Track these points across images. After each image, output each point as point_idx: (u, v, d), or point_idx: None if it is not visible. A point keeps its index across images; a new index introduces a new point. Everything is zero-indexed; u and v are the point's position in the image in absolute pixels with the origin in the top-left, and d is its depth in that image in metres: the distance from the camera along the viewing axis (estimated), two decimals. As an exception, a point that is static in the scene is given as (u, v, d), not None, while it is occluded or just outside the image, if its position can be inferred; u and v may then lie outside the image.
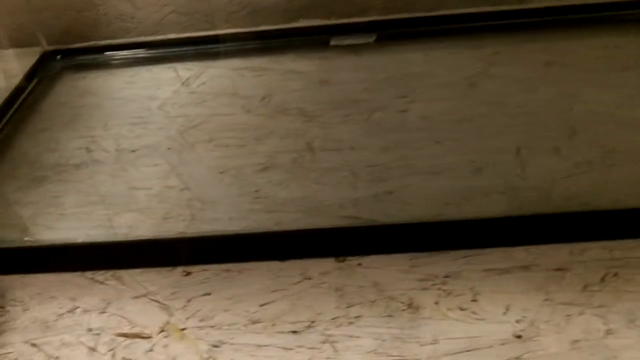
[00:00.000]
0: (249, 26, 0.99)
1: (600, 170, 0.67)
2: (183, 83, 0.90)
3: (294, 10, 0.99)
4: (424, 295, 0.57)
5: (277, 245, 0.64)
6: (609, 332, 0.52)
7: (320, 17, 0.99)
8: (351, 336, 0.55)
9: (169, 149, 0.78)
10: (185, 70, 0.93)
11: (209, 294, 0.61)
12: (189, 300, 0.61)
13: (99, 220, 0.70)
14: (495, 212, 0.63)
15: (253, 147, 0.76)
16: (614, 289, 0.56)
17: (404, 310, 0.56)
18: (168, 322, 0.59)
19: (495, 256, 0.59)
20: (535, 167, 0.68)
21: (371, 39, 0.92)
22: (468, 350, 0.52)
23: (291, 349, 0.55)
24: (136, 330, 0.59)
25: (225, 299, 0.60)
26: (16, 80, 0.91)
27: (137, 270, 0.64)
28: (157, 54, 0.98)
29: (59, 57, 0.98)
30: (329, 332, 0.56)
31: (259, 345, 0.55)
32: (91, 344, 0.58)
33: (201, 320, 0.59)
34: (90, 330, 0.59)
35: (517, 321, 0.54)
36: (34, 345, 0.58)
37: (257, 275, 0.62)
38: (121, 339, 0.58)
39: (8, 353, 0.58)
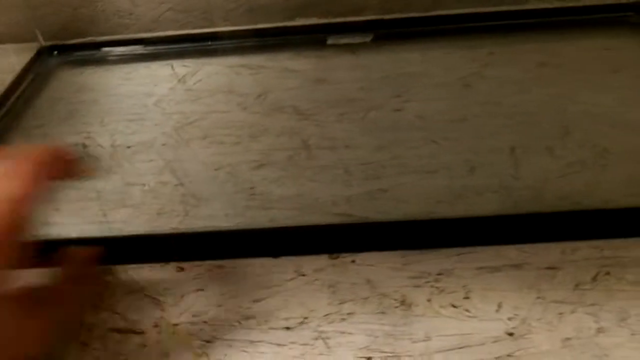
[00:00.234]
0: (247, 24, 0.99)
1: (593, 170, 0.67)
2: (179, 80, 0.90)
3: (291, 9, 0.99)
4: (416, 292, 0.57)
5: (271, 242, 0.64)
6: (600, 331, 0.53)
7: (317, 16, 0.99)
8: (343, 332, 0.55)
9: (164, 145, 0.78)
10: (182, 67, 0.93)
11: (202, 290, 0.61)
12: (182, 296, 0.61)
13: (94, 216, 0.70)
14: (488, 211, 0.63)
15: (248, 144, 0.76)
16: (606, 288, 0.56)
17: (396, 307, 0.56)
18: (161, 318, 0.59)
19: (488, 254, 0.60)
20: (528, 166, 0.68)
21: (368, 38, 0.92)
22: (460, 347, 0.53)
23: (284, 345, 0.55)
24: (129, 325, 0.59)
25: (219, 294, 0.60)
26: (12, 75, 0.92)
27: (130, 266, 0.64)
28: (154, 51, 0.98)
29: (55, 53, 0.98)
30: (321, 329, 0.56)
31: (252, 341, 0.56)
32: (83, 339, 0.58)
33: (194, 316, 0.59)
34: (82, 325, 0.59)
35: (509, 319, 0.54)
36: (26, 340, 0.58)
37: (251, 271, 0.62)
38: (114, 334, 0.58)
39: (-1, 350, 0.58)
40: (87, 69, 0.95)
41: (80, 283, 0.56)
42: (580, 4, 0.93)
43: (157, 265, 0.64)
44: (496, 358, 0.51)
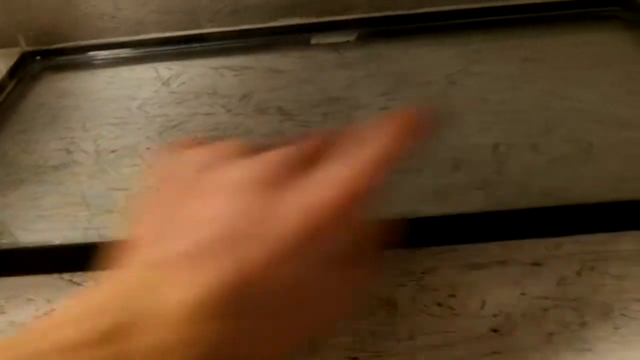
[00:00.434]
0: (231, 25, 0.99)
1: (577, 165, 0.67)
2: (163, 83, 0.89)
3: (275, 9, 0.98)
4: (401, 291, 0.57)
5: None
6: (583, 325, 0.52)
7: (301, 16, 0.98)
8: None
9: (148, 149, 0.77)
10: (165, 69, 0.93)
11: (186, 293, 0.61)
12: (165, 300, 0.60)
13: (77, 222, 0.69)
14: (472, 208, 0.63)
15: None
16: (590, 282, 0.56)
17: (381, 306, 0.56)
18: (145, 321, 0.58)
19: (472, 252, 0.59)
20: (513, 163, 0.68)
21: (352, 37, 0.92)
22: (445, 346, 0.52)
23: (268, 347, 0.55)
24: (113, 330, 0.58)
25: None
26: (-5, 81, 0.91)
27: (115, 271, 0.64)
28: (138, 54, 0.97)
29: (38, 57, 0.98)
30: (306, 329, 0.55)
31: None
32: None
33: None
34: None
35: (494, 315, 0.54)
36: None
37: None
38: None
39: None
40: (70, 73, 0.95)
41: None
42: (565, -1, 0.92)
43: (140, 269, 0.64)
44: (481, 355, 0.51)
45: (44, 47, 1.00)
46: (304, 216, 0.39)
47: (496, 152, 0.69)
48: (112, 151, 0.78)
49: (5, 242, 0.68)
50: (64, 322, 0.36)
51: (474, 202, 0.64)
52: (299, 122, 0.78)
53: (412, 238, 0.61)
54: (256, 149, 0.45)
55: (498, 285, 0.56)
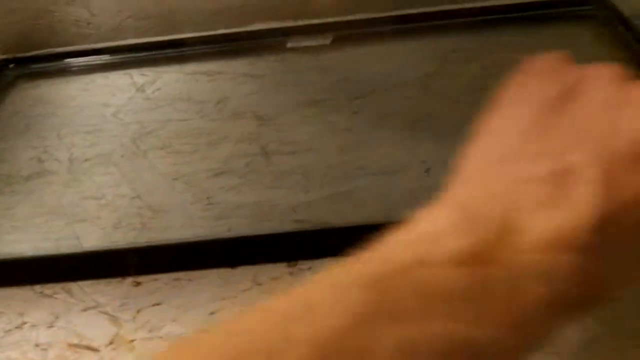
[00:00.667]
0: (206, 30, 0.98)
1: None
2: (138, 89, 0.89)
3: (250, 13, 0.98)
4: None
5: (228, 252, 0.63)
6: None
7: (277, 20, 0.98)
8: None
9: (122, 157, 0.77)
10: (140, 75, 0.92)
11: (159, 304, 0.60)
12: (138, 311, 0.60)
13: (50, 232, 0.69)
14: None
15: (207, 152, 0.76)
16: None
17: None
18: (117, 334, 0.58)
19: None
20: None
21: (328, 40, 0.91)
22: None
23: (240, 358, 0.54)
24: (84, 343, 0.58)
25: (175, 308, 0.59)
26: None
27: (87, 282, 0.63)
28: (113, 60, 0.97)
29: (12, 65, 0.97)
30: (278, 339, 0.55)
31: (207, 355, 0.55)
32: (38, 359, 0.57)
33: (150, 331, 0.58)
34: (37, 345, 0.58)
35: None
36: (-21, 364, 0.57)
37: (207, 282, 0.61)
38: (69, 352, 0.57)
39: (-47, 374, 0.57)
40: (44, 81, 0.94)
41: None
42: (540, -2, 0.92)
43: (113, 281, 0.63)
44: None
45: (18, 55, 0.99)
46: None
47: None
48: (86, 159, 0.77)
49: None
50: (438, 233, 0.33)
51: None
52: (274, 127, 0.77)
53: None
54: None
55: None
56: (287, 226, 0.65)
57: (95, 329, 0.59)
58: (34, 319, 0.60)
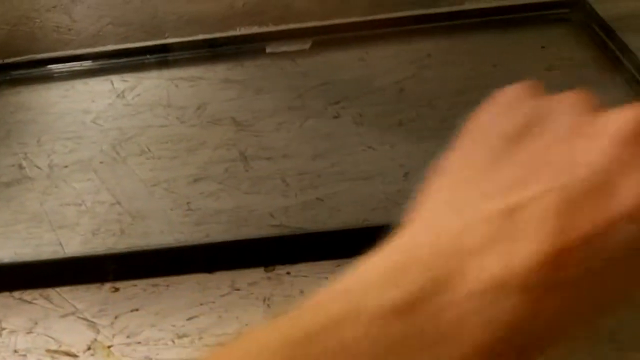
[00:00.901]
0: (186, 35, 0.99)
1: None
2: (118, 95, 0.89)
3: (231, 18, 0.98)
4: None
5: (206, 258, 0.64)
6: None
7: (257, 25, 0.98)
8: None
9: (101, 163, 0.77)
10: (121, 81, 0.92)
11: (137, 310, 0.61)
12: (116, 317, 0.60)
13: (29, 239, 0.69)
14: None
15: (186, 158, 0.76)
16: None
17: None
18: (95, 340, 0.58)
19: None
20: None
21: (307, 45, 0.92)
22: None
23: (217, 363, 0.55)
24: (63, 349, 0.58)
25: (153, 314, 0.60)
26: (-53, 98, 0.90)
27: (66, 288, 0.64)
28: (93, 66, 0.97)
29: (-8, 72, 0.97)
30: (255, 344, 0.55)
31: (185, 360, 0.55)
32: (16, 364, 0.57)
33: (128, 337, 0.58)
34: (16, 351, 0.58)
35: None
36: (-42, 371, 0.58)
37: (185, 288, 0.62)
38: (48, 358, 0.58)
39: None
40: (24, 87, 0.94)
41: None
42: (518, 2, 0.93)
43: (92, 287, 0.64)
44: None
45: (-1, 62, 0.99)
46: None
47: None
48: (66, 166, 0.78)
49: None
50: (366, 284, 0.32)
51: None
52: (252, 132, 0.78)
53: (359, 248, 0.61)
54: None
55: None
56: (265, 231, 0.65)
57: (73, 334, 0.59)
58: (12, 325, 0.60)
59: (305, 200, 0.67)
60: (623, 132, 0.34)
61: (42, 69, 0.98)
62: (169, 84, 0.90)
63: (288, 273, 0.61)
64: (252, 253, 0.63)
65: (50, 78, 0.97)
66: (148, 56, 0.97)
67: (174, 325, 0.58)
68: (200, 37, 0.99)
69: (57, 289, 0.63)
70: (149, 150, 0.78)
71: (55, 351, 0.58)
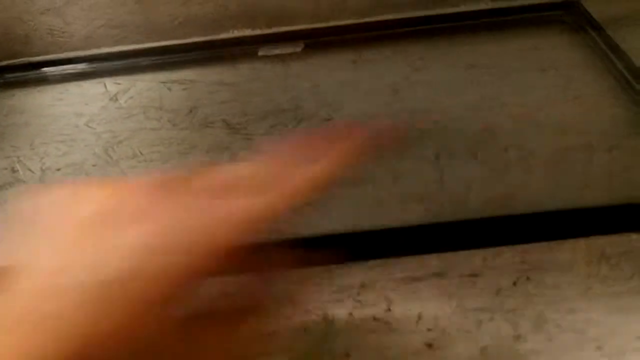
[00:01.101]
0: (180, 38, 0.99)
1: (516, 174, 0.67)
2: (111, 98, 0.89)
3: (224, 21, 0.98)
4: (338, 306, 0.57)
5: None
6: (517, 338, 0.53)
7: (251, 27, 0.98)
8: (263, 353, 0.54)
9: (94, 166, 0.77)
10: (114, 84, 0.92)
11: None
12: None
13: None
14: (412, 220, 0.63)
15: (178, 161, 0.76)
16: (525, 293, 0.56)
17: (318, 323, 0.56)
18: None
19: (410, 264, 0.60)
20: (453, 173, 0.68)
21: (299, 48, 0.92)
22: (380, 362, 0.53)
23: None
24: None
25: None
26: (-59, 101, 0.91)
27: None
28: (87, 69, 0.97)
29: (-14, 75, 0.97)
30: (243, 349, 0.55)
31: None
32: None
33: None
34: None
35: (429, 329, 0.54)
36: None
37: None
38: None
39: None
40: (18, 90, 0.94)
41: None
42: (512, 4, 0.93)
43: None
44: (415, 371, 0.51)
45: (-8, 65, 1.00)
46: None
47: (437, 162, 0.69)
48: (58, 169, 0.78)
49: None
50: None
51: (413, 215, 0.64)
52: (244, 136, 0.78)
53: (349, 252, 0.61)
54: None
55: (434, 298, 0.57)
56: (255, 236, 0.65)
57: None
58: None
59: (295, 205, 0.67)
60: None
61: (36, 71, 0.99)
62: (162, 87, 0.91)
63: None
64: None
65: (44, 81, 0.97)
66: (141, 59, 0.97)
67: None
68: (193, 39, 0.99)
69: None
70: (141, 153, 0.78)
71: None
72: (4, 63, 1.00)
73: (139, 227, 0.34)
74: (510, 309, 0.54)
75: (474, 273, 0.58)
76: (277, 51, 0.93)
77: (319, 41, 0.94)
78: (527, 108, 0.75)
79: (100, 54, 0.99)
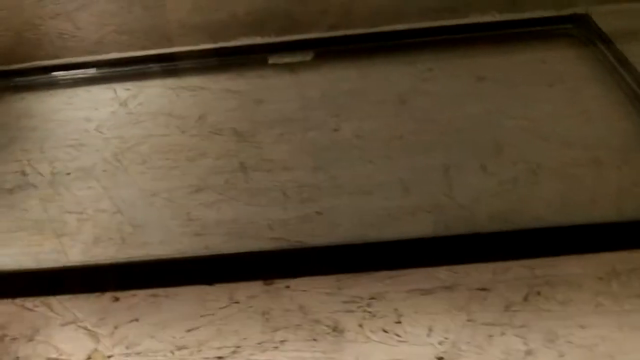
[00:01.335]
0: (190, 45, 0.99)
1: (525, 187, 0.67)
2: (121, 103, 0.89)
3: (233, 28, 0.99)
4: (348, 317, 0.57)
5: (205, 269, 0.64)
6: (529, 353, 0.53)
7: (261, 35, 0.99)
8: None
9: (103, 171, 0.78)
10: (123, 90, 0.93)
11: (137, 320, 0.61)
12: (116, 327, 0.60)
13: (30, 246, 0.69)
14: (421, 232, 0.63)
15: (186, 168, 0.76)
16: (536, 308, 0.56)
17: (328, 333, 0.56)
18: (95, 350, 0.59)
19: (419, 276, 0.60)
20: (462, 185, 0.68)
21: (308, 57, 0.92)
22: (390, 374, 0.53)
23: (216, 375, 0.55)
24: (63, 358, 0.59)
25: (152, 324, 0.60)
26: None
27: (67, 297, 0.64)
28: (97, 74, 0.97)
29: (-3, 78, 0.98)
30: (254, 357, 0.56)
31: (184, 372, 0.56)
32: (17, 372, 0.58)
33: (127, 347, 0.59)
34: (17, 358, 0.59)
35: (440, 343, 0.54)
36: (-41, 377, 0.58)
37: (185, 299, 0.62)
38: (48, 366, 0.58)
39: None
40: (29, 94, 0.95)
41: None
42: (520, 16, 0.93)
43: (92, 296, 0.64)
44: (425, 383, 0.51)
45: (4, 68, 1.00)
46: None
47: (446, 174, 0.69)
48: (68, 173, 0.78)
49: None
50: None
51: (422, 226, 0.64)
52: (253, 144, 0.78)
53: (358, 262, 0.61)
54: None
55: (444, 311, 0.57)
56: (264, 244, 0.66)
57: (74, 343, 0.59)
58: (14, 332, 0.61)
59: (304, 214, 0.68)
60: None
61: (47, 75, 0.99)
62: (171, 93, 0.91)
63: (287, 287, 0.61)
64: (252, 266, 0.63)
65: (53, 85, 0.97)
66: (151, 65, 0.98)
67: (173, 337, 0.58)
68: (203, 46, 0.99)
69: (58, 297, 0.64)
70: (150, 159, 0.78)
71: (55, 359, 0.58)
72: (15, 67, 1.00)
73: None
74: (520, 324, 0.54)
75: (483, 287, 0.58)
76: (286, 59, 0.93)
77: (328, 50, 0.94)
78: (535, 121, 0.75)
79: (109, 59, 1.00)
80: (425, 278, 0.60)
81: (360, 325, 0.56)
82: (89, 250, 0.68)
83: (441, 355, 0.53)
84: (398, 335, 0.55)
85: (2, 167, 0.81)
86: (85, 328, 0.61)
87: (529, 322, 0.55)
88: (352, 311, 0.58)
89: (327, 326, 0.57)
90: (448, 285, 0.59)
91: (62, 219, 0.73)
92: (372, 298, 0.59)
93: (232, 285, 0.63)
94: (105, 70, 0.98)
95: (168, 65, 0.97)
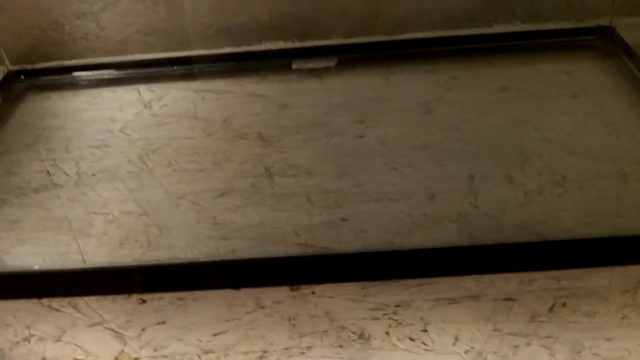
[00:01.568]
0: (214, 48, 1.00)
1: (551, 198, 0.68)
2: (145, 105, 0.90)
3: (257, 32, 0.99)
4: (374, 325, 0.58)
5: (232, 274, 0.65)
6: (554, 364, 0.53)
7: (285, 39, 0.99)
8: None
9: (128, 173, 0.78)
10: (148, 91, 0.93)
11: (164, 323, 0.61)
12: (143, 329, 0.61)
13: (57, 246, 0.70)
14: (447, 241, 0.64)
15: (211, 171, 0.77)
16: (561, 319, 0.56)
17: (354, 340, 0.57)
18: (122, 351, 0.59)
19: (446, 285, 0.60)
20: (487, 194, 0.69)
21: (332, 62, 0.93)
22: (416, 381, 0.53)
23: (243, 380, 0.56)
24: (90, 359, 0.59)
25: (179, 327, 0.61)
26: (-22, 101, 0.91)
27: (93, 298, 0.64)
28: (121, 75, 0.98)
29: (22, 77, 0.98)
30: (281, 363, 0.56)
31: (211, 376, 0.56)
32: (46, 372, 0.58)
33: (155, 350, 0.59)
34: (44, 359, 0.59)
35: (466, 352, 0.55)
36: (-14, 375, 0.58)
37: (211, 303, 0.62)
38: (75, 367, 0.59)
39: (-39, 383, 0.58)
40: (53, 93, 0.95)
41: None
42: (544, 27, 0.93)
43: (119, 297, 0.64)
44: (451, 392, 0.51)
45: (29, 67, 1.00)
46: None
47: (471, 183, 0.70)
48: (93, 174, 0.79)
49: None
50: None
51: (448, 234, 0.65)
52: (278, 148, 0.79)
53: (384, 271, 0.62)
54: None
55: (470, 320, 0.57)
56: (290, 249, 0.66)
57: (100, 345, 0.60)
58: (41, 332, 0.61)
59: (329, 220, 0.68)
60: None
61: (71, 75, 1.00)
62: (195, 96, 0.91)
63: (313, 293, 0.61)
64: (278, 271, 0.64)
65: (78, 85, 0.98)
66: (174, 67, 0.98)
67: (200, 340, 0.58)
68: (228, 50, 0.99)
69: (85, 298, 0.64)
70: (175, 162, 0.79)
71: (83, 361, 0.59)
72: (40, 66, 1.01)
73: None
74: (546, 334, 0.55)
75: (509, 297, 0.58)
76: (310, 65, 0.94)
77: (351, 57, 0.94)
78: (559, 133, 0.76)
79: (134, 61, 1.00)
80: (451, 287, 0.60)
81: (387, 333, 0.57)
82: (115, 252, 0.68)
83: (467, 364, 0.54)
84: (424, 344, 0.56)
85: (28, 165, 0.82)
86: (112, 329, 0.62)
87: (554, 333, 0.55)
88: (378, 318, 0.58)
89: (354, 333, 0.57)
90: (474, 295, 0.59)
91: (87, 219, 0.73)
92: (398, 306, 0.59)
93: (259, 290, 0.63)
94: (129, 71, 0.99)
95: (192, 67, 0.97)
